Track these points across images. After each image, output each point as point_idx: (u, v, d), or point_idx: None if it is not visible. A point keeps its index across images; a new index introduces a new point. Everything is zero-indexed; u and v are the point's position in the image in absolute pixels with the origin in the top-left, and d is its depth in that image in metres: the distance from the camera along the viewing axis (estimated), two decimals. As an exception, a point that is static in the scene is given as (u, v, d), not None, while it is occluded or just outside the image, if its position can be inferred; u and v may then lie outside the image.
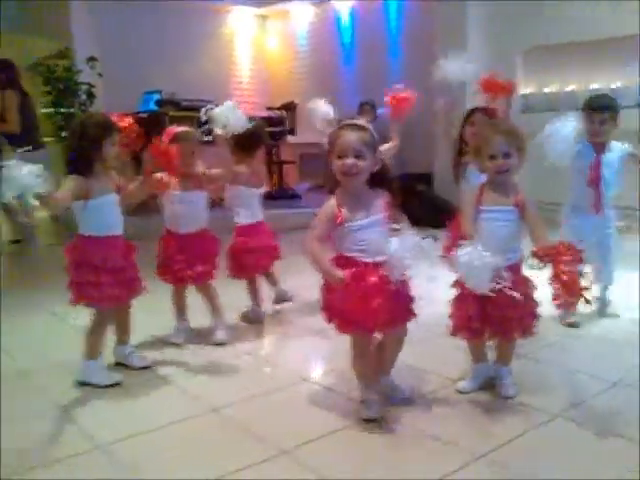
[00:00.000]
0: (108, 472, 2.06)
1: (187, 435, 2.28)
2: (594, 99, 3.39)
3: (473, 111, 3.40)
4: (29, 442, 2.27)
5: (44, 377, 2.86)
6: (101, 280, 2.66)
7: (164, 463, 2.10)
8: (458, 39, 7.09)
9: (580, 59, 6.43)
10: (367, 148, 2.25)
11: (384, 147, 3.00)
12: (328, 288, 2.30)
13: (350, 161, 2.23)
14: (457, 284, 2.45)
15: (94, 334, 2.75)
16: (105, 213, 2.70)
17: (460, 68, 3.33)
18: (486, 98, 3.45)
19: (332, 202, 2.30)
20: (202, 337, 3.29)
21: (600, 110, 3.25)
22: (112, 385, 2.70)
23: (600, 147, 3.30)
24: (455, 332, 2.49)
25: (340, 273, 2.19)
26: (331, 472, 2.00)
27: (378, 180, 2.34)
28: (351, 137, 2.25)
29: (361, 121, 2.39)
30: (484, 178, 2.52)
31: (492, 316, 2.38)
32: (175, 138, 3.05)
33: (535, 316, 2.45)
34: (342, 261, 2.28)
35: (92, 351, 2.75)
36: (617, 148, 3.33)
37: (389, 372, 2.50)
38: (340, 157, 2.25)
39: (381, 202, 2.31)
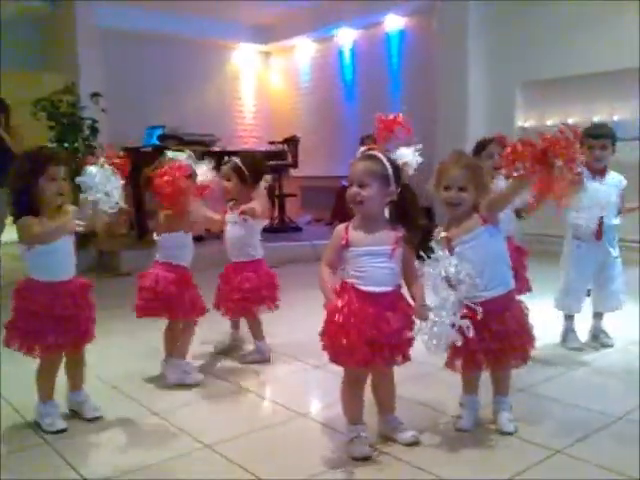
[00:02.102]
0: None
1: (180, 472, 2.23)
2: (594, 127, 3.49)
3: (487, 142, 3.34)
4: (18, 477, 2.22)
5: (30, 408, 2.74)
6: (45, 328, 2.47)
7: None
8: (458, 72, 7.18)
9: (580, 92, 6.47)
10: (373, 178, 2.25)
11: None
12: (328, 316, 2.27)
13: (353, 190, 2.26)
14: None
15: (40, 378, 2.61)
16: (52, 257, 2.49)
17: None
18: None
19: (342, 226, 2.31)
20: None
21: (601, 137, 3.32)
22: (56, 432, 2.53)
23: (600, 174, 3.33)
24: (452, 364, 2.43)
25: (335, 298, 2.20)
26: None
27: (400, 213, 2.32)
28: (357, 167, 2.28)
29: (375, 152, 2.37)
30: None
31: (491, 347, 2.35)
32: (192, 174, 3.01)
33: (532, 343, 2.44)
34: (344, 289, 2.27)
35: (40, 394, 2.61)
36: (615, 176, 3.38)
37: (390, 411, 2.44)
38: (349, 186, 2.29)
39: (392, 235, 2.28)
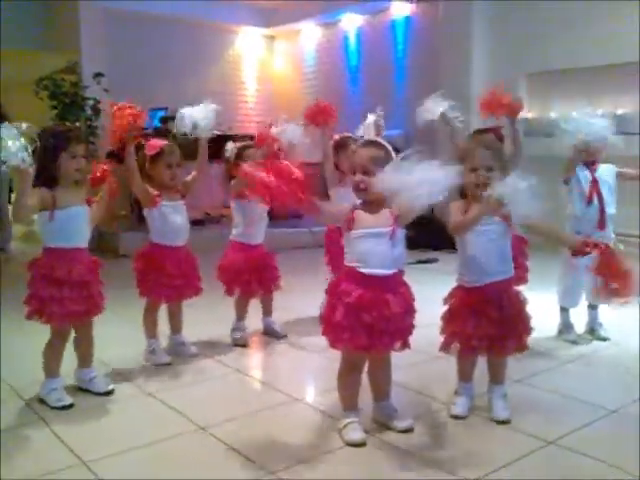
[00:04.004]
0: (90, 489, 2.02)
1: (173, 453, 2.24)
2: None
3: (483, 132, 3.30)
4: (10, 455, 2.23)
5: (29, 389, 2.78)
6: (64, 295, 2.56)
7: (148, 481, 2.06)
8: (463, 61, 7.14)
9: (585, 84, 6.43)
10: (377, 165, 2.24)
11: None
12: (328, 300, 2.29)
13: (358, 177, 2.25)
14: (450, 298, 2.45)
15: (49, 352, 2.67)
16: (71, 224, 2.60)
17: (434, 107, 3.23)
18: (487, 118, 3.38)
19: (349, 205, 2.31)
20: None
21: None
22: (62, 407, 2.59)
23: (593, 165, 3.37)
24: (447, 348, 2.46)
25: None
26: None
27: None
28: (361, 154, 2.28)
29: (377, 138, 2.41)
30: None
31: (488, 332, 2.37)
32: (161, 152, 3.05)
33: (529, 331, 2.46)
34: (345, 273, 2.27)
35: (48, 369, 2.67)
36: (607, 167, 3.41)
37: (386, 398, 2.45)
38: (353, 173, 2.28)
39: (390, 215, 2.27)
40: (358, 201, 2.31)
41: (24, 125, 2.35)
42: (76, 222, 2.62)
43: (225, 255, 3.46)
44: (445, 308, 2.50)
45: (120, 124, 2.90)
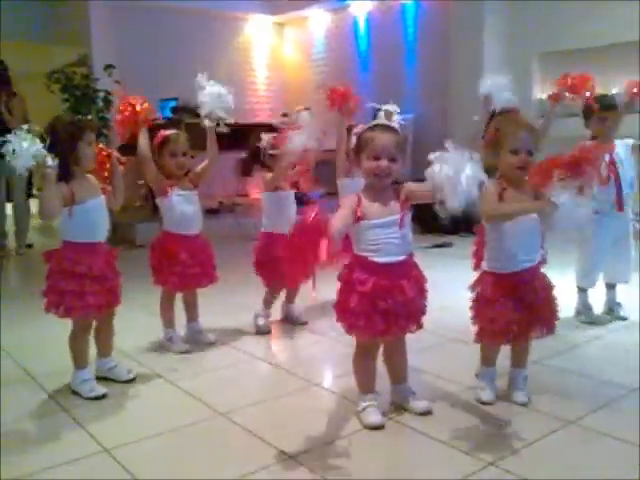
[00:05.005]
0: (114, 475, 2.04)
1: (194, 439, 2.26)
2: (604, 99, 3.42)
3: (506, 113, 3.16)
4: (34, 443, 2.27)
5: (51, 379, 2.83)
6: (85, 289, 2.56)
7: (170, 467, 2.09)
8: (474, 43, 7.08)
9: (598, 64, 6.35)
10: (399, 151, 2.24)
11: None
12: (340, 289, 2.29)
13: (385, 164, 2.21)
14: (479, 285, 2.42)
15: (75, 344, 2.68)
16: (91, 218, 2.61)
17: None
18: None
19: (353, 197, 2.26)
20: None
21: (613, 107, 3.33)
22: (95, 398, 2.61)
23: (610, 145, 3.33)
24: (487, 337, 2.42)
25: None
26: (338, 478, 1.96)
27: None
28: (386, 139, 2.23)
29: (392, 123, 2.36)
30: None
31: (523, 317, 2.35)
32: (166, 140, 3.06)
33: (557, 314, 2.44)
34: (357, 262, 2.26)
35: (77, 361, 2.68)
36: (622, 144, 3.38)
37: (402, 380, 2.46)
38: (374, 158, 2.22)
39: (397, 202, 2.26)
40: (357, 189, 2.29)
41: (25, 126, 2.38)
42: (95, 215, 2.63)
43: (258, 249, 3.45)
44: (473, 295, 2.45)
45: (124, 117, 2.97)
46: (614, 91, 6.03)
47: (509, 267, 2.37)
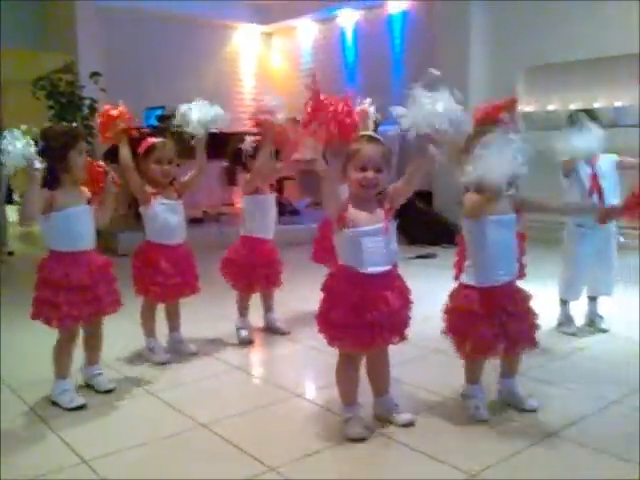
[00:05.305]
0: (92, 488, 2.02)
1: (174, 451, 2.24)
2: (589, 112, 3.51)
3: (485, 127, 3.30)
4: (11, 455, 2.23)
5: (30, 389, 2.79)
6: (59, 299, 2.53)
7: (150, 479, 2.06)
8: (460, 55, 7.14)
9: (582, 78, 6.43)
10: (385, 161, 2.26)
11: None
12: (323, 299, 2.28)
13: (371, 175, 2.23)
14: (458, 298, 2.41)
15: (58, 353, 2.66)
16: (70, 226, 2.58)
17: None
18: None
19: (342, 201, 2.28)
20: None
21: (597, 120, 3.37)
22: (74, 408, 2.58)
23: (593, 159, 3.35)
24: (463, 351, 2.40)
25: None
26: (318, 490, 1.96)
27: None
28: (372, 151, 2.25)
29: (374, 133, 2.40)
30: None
31: (509, 329, 2.35)
32: (152, 147, 3.05)
33: (537, 327, 2.45)
34: (341, 272, 2.26)
35: (58, 370, 2.66)
36: (607, 158, 3.40)
37: (385, 392, 2.45)
38: (361, 169, 2.23)
39: (381, 211, 2.27)
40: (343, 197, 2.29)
41: (23, 127, 2.38)
42: (75, 224, 2.59)
43: (232, 249, 3.46)
44: (450, 307, 2.43)
45: (102, 122, 3.05)
46: (596, 105, 6.13)
47: (487, 281, 2.36)
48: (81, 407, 2.59)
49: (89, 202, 2.67)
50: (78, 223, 2.61)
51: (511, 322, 2.35)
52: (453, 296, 2.45)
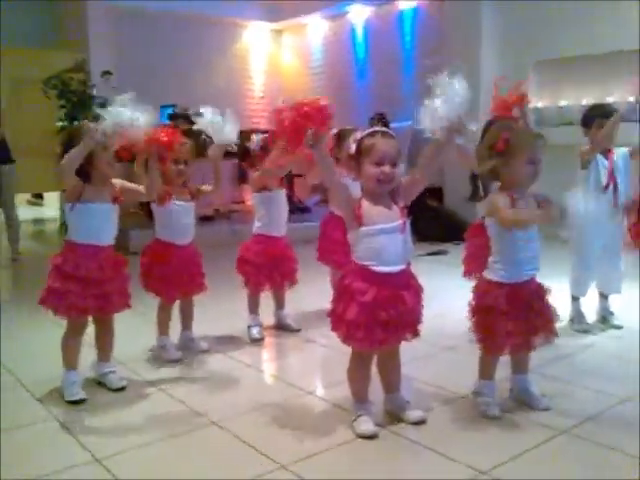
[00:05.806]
0: (104, 485, 2.03)
1: (186, 448, 2.25)
2: (602, 107, 3.52)
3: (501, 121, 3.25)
4: (23, 452, 2.25)
5: (43, 389, 2.79)
6: (67, 289, 2.58)
7: (162, 476, 2.07)
8: (471, 51, 7.10)
9: (595, 72, 6.37)
10: (399, 156, 2.25)
11: None
12: (337, 297, 2.28)
13: (389, 169, 2.21)
14: (482, 294, 2.39)
15: (65, 344, 2.70)
16: (90, 221, 2.63)
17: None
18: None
19: (357, 199, 2.26)
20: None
21: (612, 116, 3.31)
22: (75, 402, 2.61)
23: (609, 153, 3.35)
24: (496, 349, 2.39)
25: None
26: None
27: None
28: (388, 146, 2.23)
29: (385, 129, 2.37)
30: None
31: (536, 324, 2.36)
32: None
33: (555, 321, 2.45)
34: (356, 270, 2.24)
35: (65, 361, 2.69)
36: (621, 151, 3.39)
37: (396, 389, 2.44)
38: (377, 164, 2.21)
39: (398, 208, 2.26)
40: (356, 193, 2.28)
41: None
42: (96, 219, 2.64)
43: (246, 247, 3.46)
44: (475, 305, 2.41)
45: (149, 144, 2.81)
46: (610, 99, 6.07)
47: (516, 276, 2.35)
48: (79, 402, 2.61)
49: (114, 201, 2.71)
50: (99, 219, 2.66)
51: (536, 318, 2.35)
52: (478, 293, 2.42)
